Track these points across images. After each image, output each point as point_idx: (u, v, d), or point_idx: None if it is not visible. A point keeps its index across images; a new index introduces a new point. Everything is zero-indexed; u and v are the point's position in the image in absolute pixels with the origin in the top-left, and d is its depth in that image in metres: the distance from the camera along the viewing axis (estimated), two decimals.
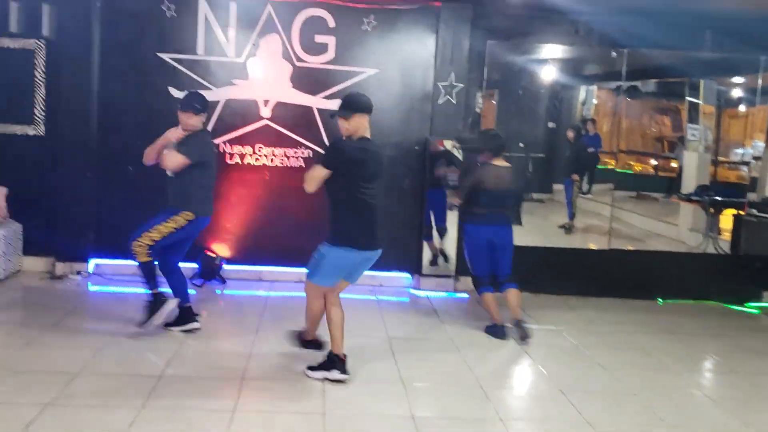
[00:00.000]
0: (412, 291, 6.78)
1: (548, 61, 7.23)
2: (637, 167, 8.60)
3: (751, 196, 7.62)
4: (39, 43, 6.41)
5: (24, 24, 6.39)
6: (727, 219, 7.56)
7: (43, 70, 6.44)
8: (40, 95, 6.45)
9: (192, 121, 4.85)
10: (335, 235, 4.24)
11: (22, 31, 6.39)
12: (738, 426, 4.18)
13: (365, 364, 4.66)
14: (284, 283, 6.66)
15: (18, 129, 6.47)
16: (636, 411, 4.27)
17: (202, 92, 5.44)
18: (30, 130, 6.48)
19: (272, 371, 4.47)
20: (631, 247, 7.39)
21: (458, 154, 6.55)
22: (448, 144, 6.63)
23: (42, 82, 6.44)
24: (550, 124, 7.69)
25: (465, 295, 6.66)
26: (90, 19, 6.36)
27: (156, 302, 4.88)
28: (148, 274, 4.86)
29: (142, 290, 4.99)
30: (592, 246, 7.35)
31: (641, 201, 8.37)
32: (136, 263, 4.84)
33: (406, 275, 6.87)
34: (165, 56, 6.48)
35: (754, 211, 7.48)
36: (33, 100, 6.45)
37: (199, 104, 4.89)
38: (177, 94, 6.43)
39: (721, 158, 8.31)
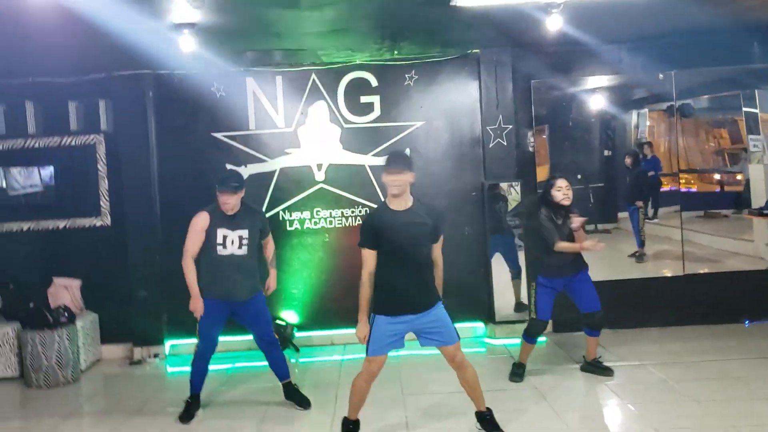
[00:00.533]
0: (487, 340, 6.66)
1: (595, 90, 7.15)
2: (701, 185, 8.32)
3: None
4: (98, 137, 6.69)
5: (83, 121, 6.71)
6: None
7: (104, 162, 6.69)
8: (104, 186, 6.70)
9: (233, 200, 4.82)
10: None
11: (82, 128, 6.70)
12: None
13: (446, 420, 4.57)
14: (357, 345, 6.62)
15: (86, 222, 6.71)
16: None
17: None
18: (97, 222, 6.72)
19: None
20: (707, 270, 7.09)
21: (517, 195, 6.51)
22: (504, 186, 6.59)
23: (104, 174, 6.70)
24: (606, 153, 7.54)
25: (543, 339, 6.49)
26: (144, 108, 6.61)
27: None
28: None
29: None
30: (666, 272, 7.09)
31: (710, 220, 8.05)
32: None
33: (478, 324, 6.75)
34: (219, 135, 6.69)
35: None
36: (97, 192, 6.70)
37: (236, 182, 4.84)
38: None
39: None
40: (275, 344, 5.06)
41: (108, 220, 6.70)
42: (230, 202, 4.78)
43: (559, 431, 4.40)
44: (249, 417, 4.94)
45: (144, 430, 4.81)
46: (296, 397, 5.07)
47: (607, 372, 5.41)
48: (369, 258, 4.03)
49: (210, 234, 4.81)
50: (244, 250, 4.84)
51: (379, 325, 4.06)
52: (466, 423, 4.52)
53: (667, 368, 5.50)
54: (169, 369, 6.36)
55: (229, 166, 6.60)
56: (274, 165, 6.70)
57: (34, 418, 5.21)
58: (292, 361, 6.37)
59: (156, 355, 6.57)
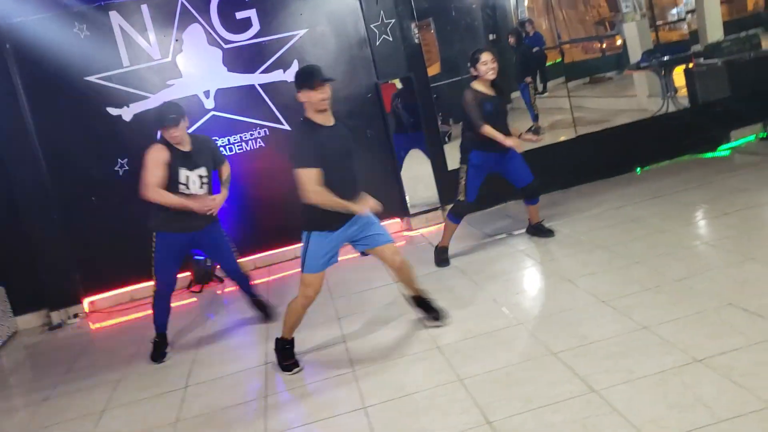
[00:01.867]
0: (405, 233, 6.80)
1: None
2: (584, 54, 8.59)
3: (695, 48, 7.69)
4: None
5: None
6: (679, 76, 7.63)
7: None
8: None
9: (180, 131, 4.50)
10: None
11: None
12: (741, 260, 4.29)
13: (384, 312, 4.72)
14: (280, 264, 6.65)
15: None
16: (644, 277, 4.34)
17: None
18: None
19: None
20: (597, 129, 7.41)
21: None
22: (398, 83, 6.59)
23: None
24: (491, 36, 7.61)
25: None
26: (5, 63, 6.10)
27: None
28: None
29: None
30: (562, 138, 7.36)
31: (596, 84, 8.38)
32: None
33: (395, 220, 6.86)
34: (92, 78, 6.27)
35: (702, 60, 7.57)
36: None
37: (174, 113, 4.46)
38: (117, 112, 6.29)
39: (659, 22, 8.31)
40: (239, 271, 5.07)
41: None
42: (178, 134, 4.45)
43: (484, 300, 4.59)
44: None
45: (78, 389, 4.67)
46: (266, 311, 5.19)
47: (549, 233, 5.60)
48: (314, 177, 3.67)
49: (172, 173, 4.48)
50: (205, 189, 4.61)
51: (316, 242, 3.89)
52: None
53: (573, 224, 5.80)
54: (93, 325, 6.17)
55: (111, 110, 6.28)
56: (158, 100, 6.38)
57: None
58: (218, 293, 6.33)
59: (76, 315, 6.35)
